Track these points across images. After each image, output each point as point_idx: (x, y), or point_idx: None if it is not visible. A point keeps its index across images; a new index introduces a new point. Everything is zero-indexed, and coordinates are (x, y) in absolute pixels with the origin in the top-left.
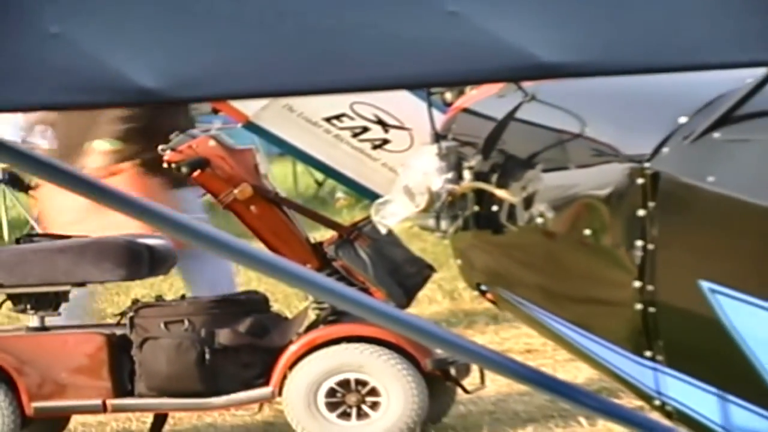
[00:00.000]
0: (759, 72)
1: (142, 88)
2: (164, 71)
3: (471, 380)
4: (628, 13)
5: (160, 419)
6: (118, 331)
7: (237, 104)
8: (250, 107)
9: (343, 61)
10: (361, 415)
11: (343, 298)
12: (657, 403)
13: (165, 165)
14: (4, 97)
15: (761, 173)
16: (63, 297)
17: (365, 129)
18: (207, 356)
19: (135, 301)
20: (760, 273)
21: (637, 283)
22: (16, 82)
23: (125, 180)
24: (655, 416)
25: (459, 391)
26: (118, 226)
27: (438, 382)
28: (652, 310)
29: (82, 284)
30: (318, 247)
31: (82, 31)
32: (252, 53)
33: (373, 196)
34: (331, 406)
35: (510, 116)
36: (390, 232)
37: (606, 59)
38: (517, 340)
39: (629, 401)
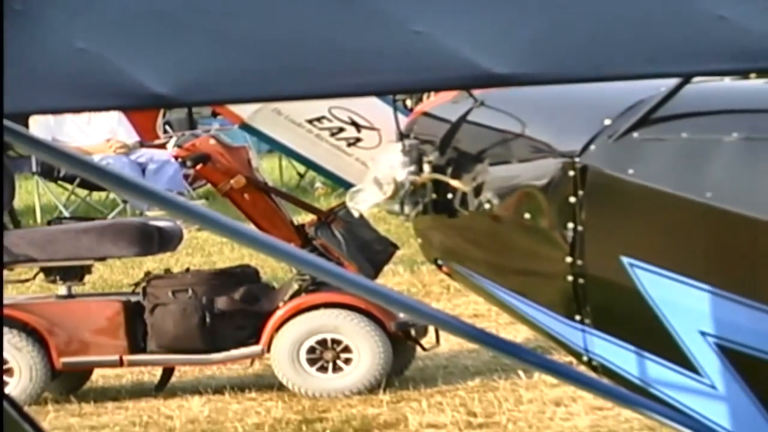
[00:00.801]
0: (671, 81)
1: (155, 94)
2: (174, 80)
3: (428, 340)
4: (567, 30)
5: (168, 372)
6: (133, 299)
7: (234, 108)
8: (244, 111)
9: (325, 72)
10: (336, 369)
11: (321, 271)
12: (585, 359)
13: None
14: (41, 101)
15: (672, 166)
16: (87, 270)
17: (341, 129)
18: (207, 319)
19: (147, 274)
20: (672, 250)
21: (569, 259)
22: (49, 89)
23: None
24: (583, 370)
25: (418, 348)
26: None
27: (400, 341)
28: (581, 281)
29: (102, 259)
30: (300, 228)
31: (104, 46)
32: (247, 65)
33: (347, 186)
34: (311, 362)
35: (462, 119)
36: (361, 216)
37: (548, 70)
38: (466, 306)
39: (560, 357)
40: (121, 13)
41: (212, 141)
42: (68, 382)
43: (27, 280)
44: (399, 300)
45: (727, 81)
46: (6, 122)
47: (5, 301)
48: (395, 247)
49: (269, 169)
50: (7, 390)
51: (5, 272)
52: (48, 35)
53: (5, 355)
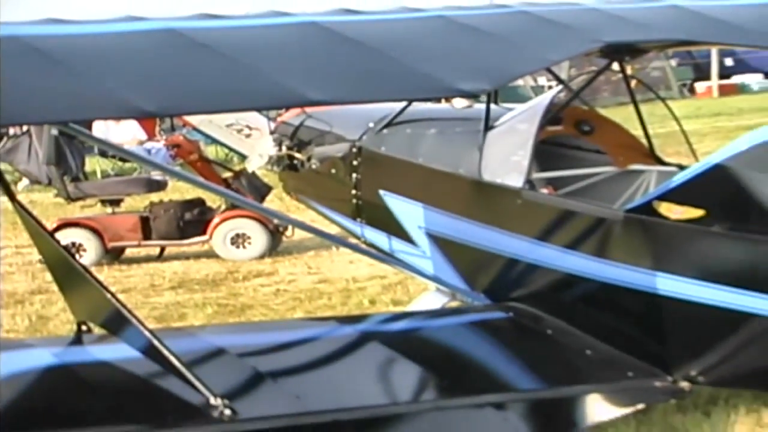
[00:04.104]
0: (403, 103)
1: (144, 110)
2: (155, 99)
3: (289, 233)
4: (350, 74)
5: (162, 249)
6: (144, 214)
7: (189, 119)
8: (194, 120)
9: (234, 97)
10: (244, 247)
11: (236, 200)
12: (363, 240)
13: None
14: (69, 113)
15: (403, 146)
16: (121, 201)
17: (242, 129)
18: (180, 223)
19: (151, 202)
20: (403, 186)
21: (354, 191)
22: (78, 107)
23: None
24: (363, 246)
25: (284, 238)
26: None
27: (275, 233)
28: (360, 202)
29: (129, 195)
30: (225, 180)
31: (113, 80)
32: (197, 93)
33: (246, 157)
34: (232, 243)
35: (301, 124)
36: (253, 173)
37: (341, 96)
38: (307, 216)
39: (352, 240)
40: (130, 65)
41: (181, 137)
42: (112, 255)
43: (92, 206)
44: (274, 213)
45: (429, 104)
46: (76, 126)
47: (84, 216)
48: (271, 188)
49: (211, 151)
50: (83, 261)
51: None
52: (82, 78)
53: (83, 242)
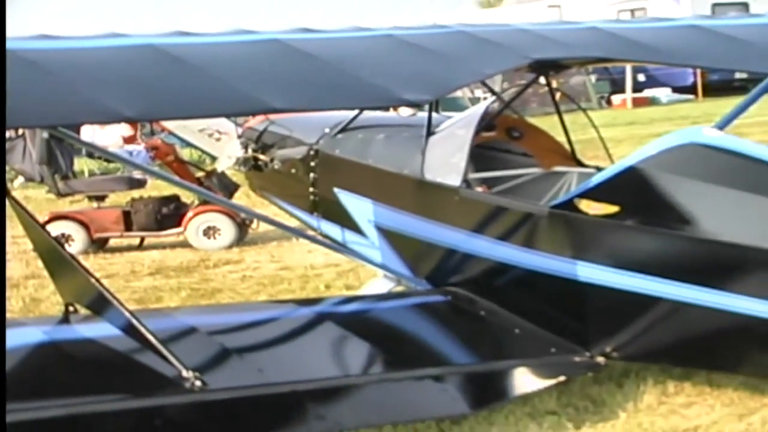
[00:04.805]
0: (355, 111)
1: (124, 115)
2: (135, 106)
3: (254, 226)
4: (307, 85)
5: (141, 240)
6: (126, 208)
7: (166, 124)
8: (170, 125)
9: (206, 104)
10: (215, 238)
11: (208, 197)
12: (319, 232)
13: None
14: (59, 118)
15: (355, 149)
16: (106, 197)
17: (212, 134)
18: (159, 217)
19: (132, 198)
20: (355, 184)
21: (311, 189)
22: (67, 113)
23: None
24: (320, 237)
25: (250, 230)
26: None
27: (242, 226)
28: (317, 198)
29: (113, 191)
30: (198, 179)
31: (98, 89)
32: (171, 100)
33: (216, 158)
34: (204, 235)
35: (265, 129)
36: (223, 172)
37: (299, 104)
38: (270, 211)
39: (310, 232)
40: (113, 76)
41: (159, 141)
42: (98, 245)
43: (80, 201)
44: (241, 208)
45: (378, 113)
46: (65, 130)
47: (72, 210)
48: (238, 186)
49: (186, 153)
50: (71, 250)
51: (74, 197)
52: (71, 87)
53: (72, 233)
